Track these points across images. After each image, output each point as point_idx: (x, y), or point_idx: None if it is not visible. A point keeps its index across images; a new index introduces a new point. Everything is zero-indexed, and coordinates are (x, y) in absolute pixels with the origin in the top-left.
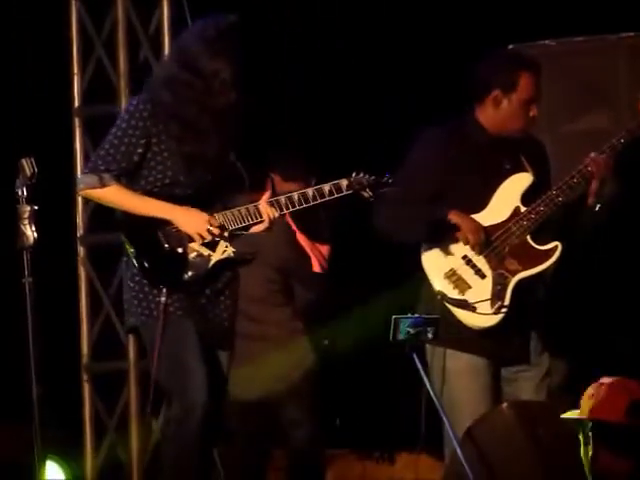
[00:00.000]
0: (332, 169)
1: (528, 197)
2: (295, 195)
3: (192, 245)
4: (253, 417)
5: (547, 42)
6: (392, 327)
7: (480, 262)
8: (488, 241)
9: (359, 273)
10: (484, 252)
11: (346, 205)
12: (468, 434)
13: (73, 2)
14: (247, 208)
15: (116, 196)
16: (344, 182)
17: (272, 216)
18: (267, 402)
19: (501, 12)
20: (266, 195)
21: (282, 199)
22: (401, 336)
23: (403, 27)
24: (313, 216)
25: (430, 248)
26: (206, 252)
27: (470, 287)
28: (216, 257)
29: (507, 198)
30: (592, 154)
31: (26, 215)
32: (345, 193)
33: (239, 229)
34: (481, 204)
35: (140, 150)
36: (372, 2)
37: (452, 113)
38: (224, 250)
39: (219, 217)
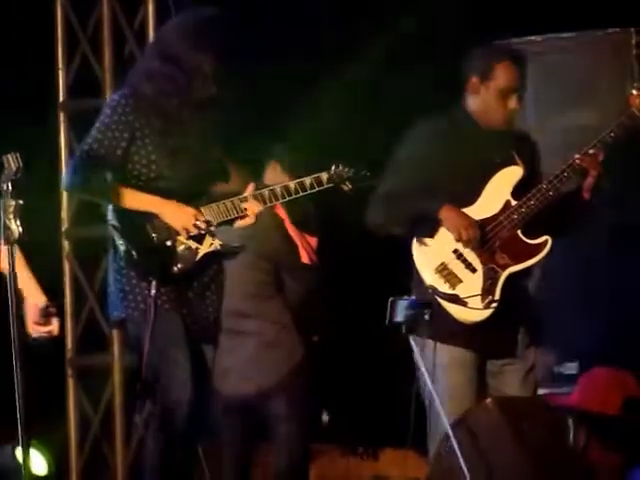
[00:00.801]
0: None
1: (519, 191)
2: (278, 188)
3: (180, 238)
4: (239, 412)
5: (533, 38)
6: (389, 309)
7: (471, 256)
8: (480, 235)
9: (350, 267)
10: (476, 247)
11: (335, 197)
12: (452, 430)
13: None
14: (232, 201)
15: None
16: (324, 175)
17: (256, 209)
18: (254, 397)
19: (486, 9)
20: (250, 188)
21: (265, 192)
22: (398, 318)
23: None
24: (302, 207)
25: (421, 242)
26: (194, 245)
27: (461, 281)
28: (203, 250)
29: (498, 192)
30: (583, 148)
31: (11, 209)
32: (326, 186)
33: (224, 222)
34: (472, 198)
35: (124, 144)
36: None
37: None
38: (211, 243)
39: (205, 211)
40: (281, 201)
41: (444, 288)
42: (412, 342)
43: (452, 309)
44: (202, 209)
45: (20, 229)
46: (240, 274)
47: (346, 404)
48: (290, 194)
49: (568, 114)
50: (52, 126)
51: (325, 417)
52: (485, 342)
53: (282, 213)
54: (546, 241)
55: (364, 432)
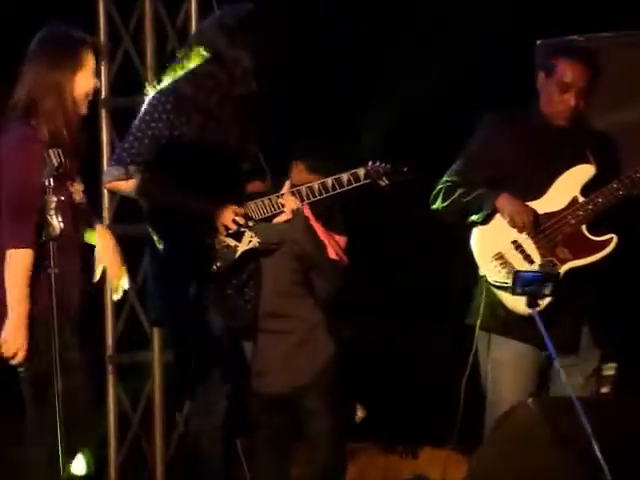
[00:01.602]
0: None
1: (590, 189)
2: (315, 185)
3: (218, 236)
4: (275, 410)
5: (575, 37)
6: (512, 281)
7: (530, 248)
8: (540, 227)
9: (380, 267)
10: (535, 237)
11: (365, 197)
12: (494, 429)
13: None
14: (269, 198)
15: (142, 188)
16: (361, 171)
17: (294, 206)
18: (288, 395)
19: (529, 7)
20: (287, 185)
21: (303, 189)
22: (519, 290)
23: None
24: (328, 206)
25: (481, 231)
26: (232, 243)
27: None
28: (242, 247)
29: (566, 188)
30: None
31: (53, 206)
32: (363, 182)
33: (262, 219)
34: (538, 191)
35: (163, 142)
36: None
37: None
38: (250, 240)
39: (243, 208)
40: (319, 197)
41: (498, 277)
42: (535, 313)
43: (505, 298)
44: (241, 206)
45: (62, 225)
46: (270, 274)
47: (386, 401)
48: (327, 190)
49: (609, 114)
50: (94, 123)
51: (359, 414)
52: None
53: (307, 212)
54: (611, 239)
55: (404, 430)
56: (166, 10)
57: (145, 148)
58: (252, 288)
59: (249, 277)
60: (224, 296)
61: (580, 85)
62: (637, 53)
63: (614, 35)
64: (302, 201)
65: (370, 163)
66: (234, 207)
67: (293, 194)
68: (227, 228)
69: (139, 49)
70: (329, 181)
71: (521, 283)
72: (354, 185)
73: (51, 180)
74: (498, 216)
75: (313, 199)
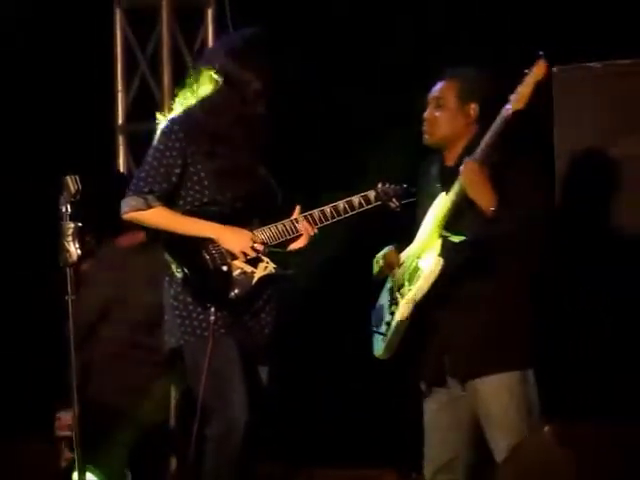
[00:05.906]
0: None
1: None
2: (327, 209)
3: (235, 263)
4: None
5: (592, 64)
6: None
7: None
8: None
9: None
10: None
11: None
12: (509, 459)
13: (118, 19)
14: (283, 224)
15: (162, 217)
16: (372, 193)
17: (309, 231)
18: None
19: (547, 33)
20: (297, 210)
21: (315, 213)
22: None
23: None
24: None
25: None
26: (249, 269)
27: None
28: (259, 274)
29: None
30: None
31: (70, 232)
32: (374, 204)
33: (277, 245)
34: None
35: (177, 170)
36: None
37: None
38: (266, 266)
39: (258, 234)
40: (331, 221)
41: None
42: None
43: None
44: (255, 232)
45: (79, 251)
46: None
47: (402, 428)
48: (339, 214)
49: (626, 142)
50: (111, 149)
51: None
52: (425, 371)
53: None
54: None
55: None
56: (183, 35)
57: (161, 177)
58: (268, 313)
59: (265, 302)
60: (241, 322)
61: (431, 96)
62: None
63: (632, 62)
64: (315, 225)
65: (380, 185)
66: (251, 234)
67: (306, 218)
68: (245, 254)
69: (156, 74)
70: (341, 204)
71: None
72: (365, 208)
73: (68, 206)
74: None
75: (325, 223)
